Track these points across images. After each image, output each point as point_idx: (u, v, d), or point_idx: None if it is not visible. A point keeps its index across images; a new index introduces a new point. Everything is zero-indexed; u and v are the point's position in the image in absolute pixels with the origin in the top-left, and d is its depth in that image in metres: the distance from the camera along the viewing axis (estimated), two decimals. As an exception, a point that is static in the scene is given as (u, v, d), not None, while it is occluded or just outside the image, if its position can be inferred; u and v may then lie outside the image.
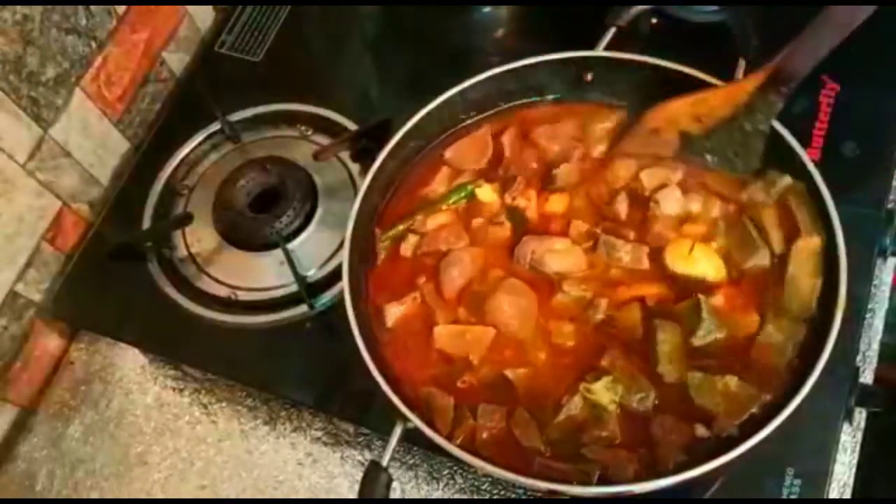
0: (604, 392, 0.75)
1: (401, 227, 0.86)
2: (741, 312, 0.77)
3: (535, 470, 0.73)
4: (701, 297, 0.76)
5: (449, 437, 0.74)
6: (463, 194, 0.87)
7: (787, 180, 0.80)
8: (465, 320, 0.81)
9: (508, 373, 0.78)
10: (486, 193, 0.87)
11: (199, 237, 1.04)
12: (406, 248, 0.86)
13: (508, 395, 0.77)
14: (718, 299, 0.78)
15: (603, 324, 0.79)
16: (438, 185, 0.89)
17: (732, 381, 0.73)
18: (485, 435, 0.75)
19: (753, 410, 0.72)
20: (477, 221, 0.86)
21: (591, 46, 0.91)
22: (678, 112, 0.81)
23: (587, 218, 0.84)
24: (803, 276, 0.77)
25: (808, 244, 0.77)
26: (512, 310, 0.80)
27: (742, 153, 0.80)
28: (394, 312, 0.82)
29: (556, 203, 0.86)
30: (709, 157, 0.82)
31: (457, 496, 0.92)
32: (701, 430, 0.72)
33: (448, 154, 0.90)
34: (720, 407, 0.73)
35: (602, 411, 0.75)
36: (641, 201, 0.83)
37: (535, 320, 0.80)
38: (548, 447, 0.75)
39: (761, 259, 0.78)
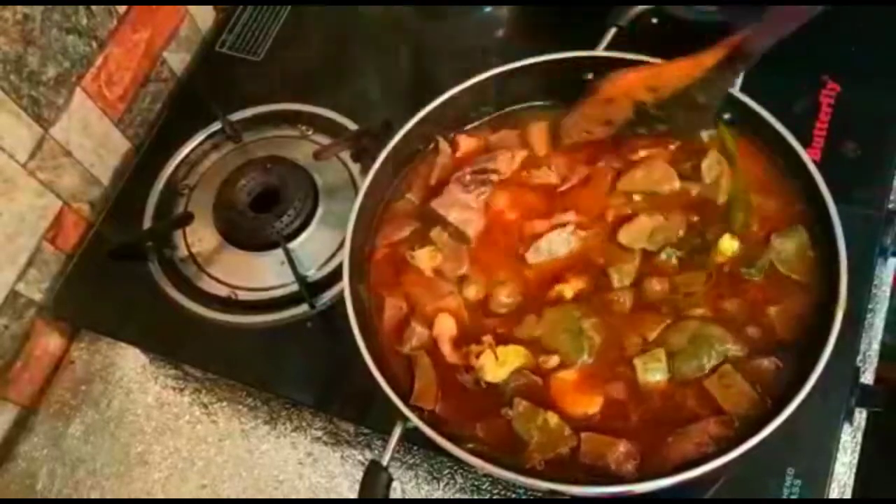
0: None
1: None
2: None
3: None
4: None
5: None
6: None
7: None
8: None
9: None
10: None
11: (200, 237, 1.04)
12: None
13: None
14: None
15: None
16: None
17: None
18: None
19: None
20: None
21: (592, 46, 0.91)
22: (634, 83, 0.82)
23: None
24: None
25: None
26: None
27: (692, 120, 0.83)
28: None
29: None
30: (659, 126, 0.84)
31: (457, 496, 0.92)
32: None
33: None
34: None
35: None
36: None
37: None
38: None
39: None
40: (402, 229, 0.87)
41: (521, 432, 0.75)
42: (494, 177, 0.87)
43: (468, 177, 0.86)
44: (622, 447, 0.73)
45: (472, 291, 0.83)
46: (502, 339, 0.79)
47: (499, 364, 0.77)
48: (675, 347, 0.76)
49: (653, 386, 0.76)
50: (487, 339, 0.78)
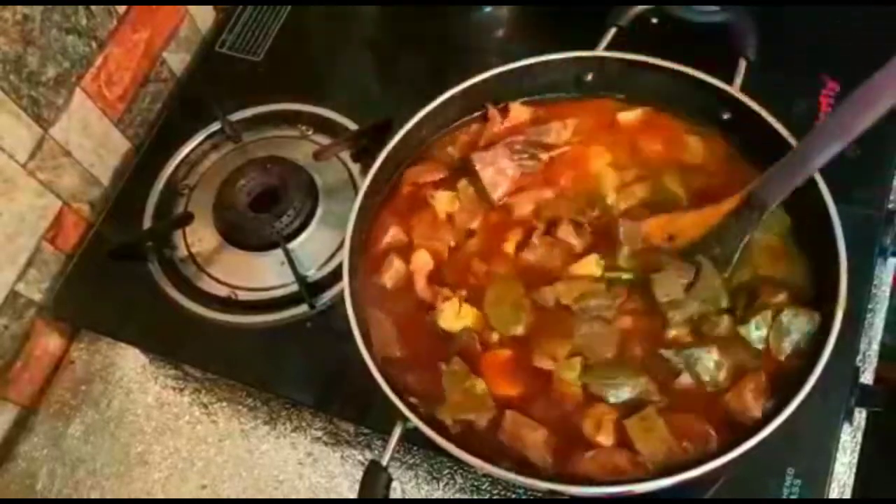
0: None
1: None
2: None
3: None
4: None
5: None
6: None
7: None
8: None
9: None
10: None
11: (200, 237, 1.04)
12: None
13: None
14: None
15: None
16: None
17: None
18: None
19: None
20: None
21: (592, 46, 0.91)
22: (651, 230, 0.82)
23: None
24: None
25: None
26: None
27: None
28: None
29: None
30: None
31: (457, 496, 0.92)
32: None
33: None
34: None
35: None
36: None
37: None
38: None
39: None
40: (432, 173, 0.88)
41: (447, 389, 0.77)
42: (544, 155, 0.87)
43: (519, 145, 0.87)
44: (541, 434, 0.74)
45: (473, 245, 0.85)
46: (470, 300, 0.81)
47: (457, 317, 0.80)
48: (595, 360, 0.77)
49: (567, 392, 0.76)
50: (460, 292, 0.81)
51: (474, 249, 0.85)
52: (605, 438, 0.73)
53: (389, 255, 0.84)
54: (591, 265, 0.81)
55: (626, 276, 0.80)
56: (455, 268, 0.84)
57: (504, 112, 0.90)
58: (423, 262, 0.84)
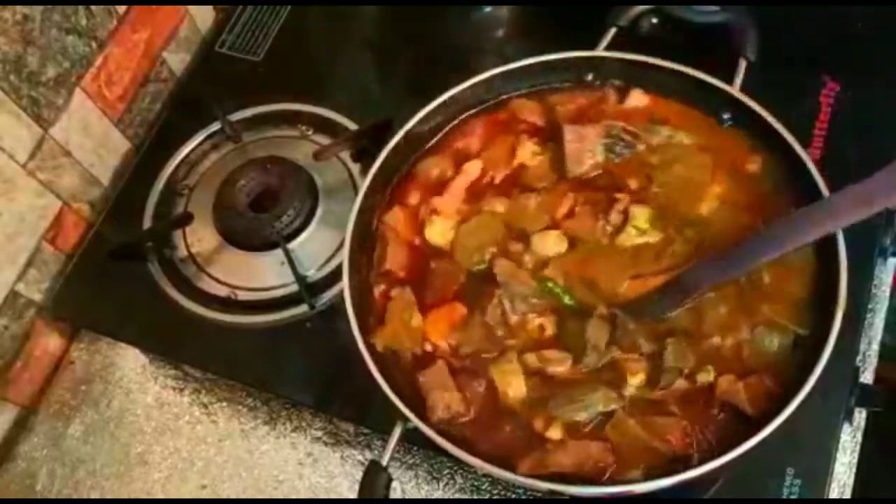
0: None
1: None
2: None
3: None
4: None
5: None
6: None
7: None
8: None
9: None
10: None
11: (200, 237, 1.04)
12: None
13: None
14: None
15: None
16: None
17: None
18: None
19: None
20: None
21: (592, 46, 0.91)
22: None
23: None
24: None
25: None
26: None
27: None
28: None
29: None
30: None
31: (457, 496, 0.92)
32: None
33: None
34: None
35: None
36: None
37: None
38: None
39: None
40: (534, 116, 0.89)
41: (388, 313, 0.80)
42: (640, 147, 0.85)
43: (619, 131, 0.85)
44: (456, 401, 0.75)
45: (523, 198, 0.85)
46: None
47: (440, 233, 0.84)
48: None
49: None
50: (462, 208, 0.85)
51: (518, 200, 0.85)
52: (556, 433, 0.74)
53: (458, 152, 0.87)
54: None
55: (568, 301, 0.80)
56: (489, 192, 0.86)
57: (623, 93, 0.89)
58: (473, 170, 0.86)
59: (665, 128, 0.86)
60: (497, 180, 0.87)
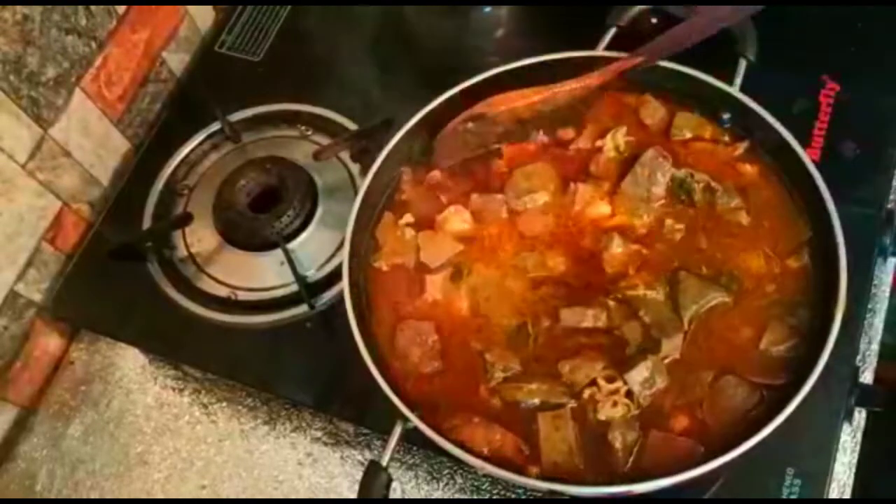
0: None
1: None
2: None
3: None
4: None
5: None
6: None
7: None
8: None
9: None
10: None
11: (200, 237, 1.04)
12: None
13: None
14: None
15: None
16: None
17: None
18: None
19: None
20: None
21: (592, 46, 0.91)
22: (522, 106, 0.85)
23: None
24: None
25: None
26: None
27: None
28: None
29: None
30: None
31: (457, 496, 0.92)
32: None
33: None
34: None
35: None
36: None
37: None
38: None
39: None
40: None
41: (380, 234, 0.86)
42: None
43: (655, 156, 0.85)
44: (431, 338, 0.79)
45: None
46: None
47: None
48: None
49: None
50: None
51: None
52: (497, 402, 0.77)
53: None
54: None
55: None
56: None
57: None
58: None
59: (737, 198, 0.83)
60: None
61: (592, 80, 0.85)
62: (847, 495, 0.86)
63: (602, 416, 0.74)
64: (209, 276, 1.02)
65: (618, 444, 0.74)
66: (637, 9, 0.95)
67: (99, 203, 1.12)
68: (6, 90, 0.94)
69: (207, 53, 1.21)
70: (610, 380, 0.75)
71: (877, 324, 0.93)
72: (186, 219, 1.05)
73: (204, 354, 0.98)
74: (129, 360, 1.06)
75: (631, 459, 0.73)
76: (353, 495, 0.93)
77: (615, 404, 0.74)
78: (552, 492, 0.72)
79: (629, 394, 0.75)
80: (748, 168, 0.84)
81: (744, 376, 0.75)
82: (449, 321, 0.82)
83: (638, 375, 0.74)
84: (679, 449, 0.73)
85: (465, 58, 1.10)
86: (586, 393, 0.75)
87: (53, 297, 1.05)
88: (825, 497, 0.81)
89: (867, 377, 0.90)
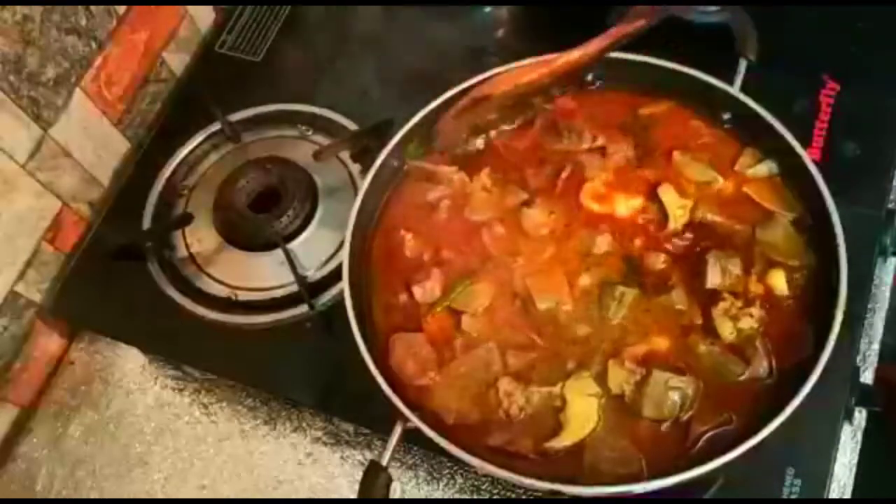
0: None
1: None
2: None
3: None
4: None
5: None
6: None
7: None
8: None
9: None
10: None
11: (200, 237, 1.04)
12: None
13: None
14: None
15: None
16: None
17: None
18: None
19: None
20: None
21: (591, 46, 0.91)
22: (524, 83, 0.87)
23: None
24: None
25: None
26: None
27: None
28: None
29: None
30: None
31: (457, 496, 0.92)
32: None
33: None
34: None
35: None
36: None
37: None
38: None
39: None
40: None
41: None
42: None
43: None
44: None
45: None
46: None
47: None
48: None
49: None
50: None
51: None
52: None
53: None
54: None
55: None
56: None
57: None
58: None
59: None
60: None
61: (592, 46, 0.86)
62: (847, 495, 0.86)
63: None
64: (209, 276, 1.02)
65: None
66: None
67: (99, 203, 1.12)
68: (6, 90, 0.94)
69: (207, 53, 1.21)
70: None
71: (877, 324, 0.93)
72: (186, 219, 1.05)
73: (204, 354, 0.98)
74: (129, 361, 1.06)
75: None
76: (353, 495, 0.93)
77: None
78: (552, 492, 0.72)
79: None
80: None
81: None
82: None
83: None
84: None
85: (465, 58, 1.10)
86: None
87: (53, 297, 1.05)
88: (825, 497, 0.81)
89: (867, 377, 0.90)
